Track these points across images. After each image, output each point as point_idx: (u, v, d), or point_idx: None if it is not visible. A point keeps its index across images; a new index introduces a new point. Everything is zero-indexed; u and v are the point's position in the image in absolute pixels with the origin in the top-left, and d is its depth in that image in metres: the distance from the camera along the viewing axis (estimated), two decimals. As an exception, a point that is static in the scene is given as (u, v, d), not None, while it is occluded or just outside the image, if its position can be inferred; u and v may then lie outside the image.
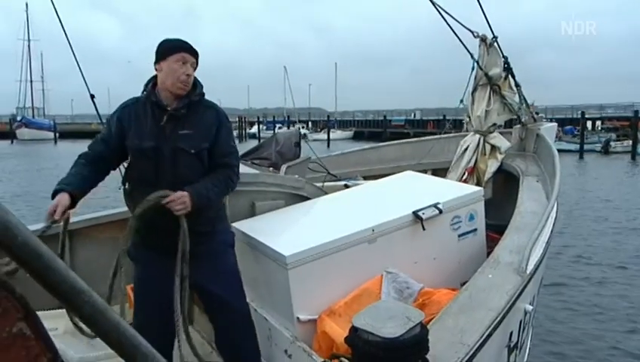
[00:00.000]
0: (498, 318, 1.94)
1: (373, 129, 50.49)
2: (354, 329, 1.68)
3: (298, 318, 2.30)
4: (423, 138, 5.30)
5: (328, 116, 56.79)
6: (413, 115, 57.89)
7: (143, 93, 2.15)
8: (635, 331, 6.05)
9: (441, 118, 44.09)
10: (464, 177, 3.67)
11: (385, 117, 49.85)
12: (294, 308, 2.30)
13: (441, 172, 4.03)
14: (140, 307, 2.16)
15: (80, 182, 2.01)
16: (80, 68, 3.08)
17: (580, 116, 43.44)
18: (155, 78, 2.13)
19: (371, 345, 1.58)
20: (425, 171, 3.92)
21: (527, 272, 2.21)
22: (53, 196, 1.93)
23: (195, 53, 2.12)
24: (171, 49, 2.08)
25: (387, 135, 38.62)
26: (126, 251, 2.07)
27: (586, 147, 37.74)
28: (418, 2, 3.67)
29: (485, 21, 3.51)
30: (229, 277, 2.23)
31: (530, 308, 2.34)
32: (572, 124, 43.54)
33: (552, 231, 2.77)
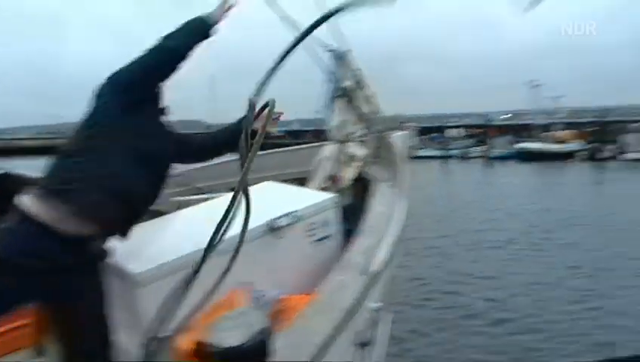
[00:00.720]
0: (345, 317, 2.04)
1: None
2: (200, 342, 1.68)
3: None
4: (287, 148, 5.41)
5: (208, 128, 55.78)
6: (292, 125, 59.07)
7: None
8: (495, 326, 6.75)
9: (319, 128, 45.41)
10: (324, 185, 3.81)
11: (264, 128, 50.04)
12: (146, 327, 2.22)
13: (303, 181, 4.14)
14: None
15: None
16: None
17: (444, 124, 47.27)
18: None
19: (215, 356, 1.59)
20: (288, 181, 4.00)
21: (373, 272, 2.35)
22: None
23: None
24: None
25: (268, 146, 38.81)
26: None
27: (449, 153, 41.26)
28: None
29: (338, 34, 3.69)
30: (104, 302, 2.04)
31: (378, 305, 2.48)
32: (437, 131, 47.43)
33: (400, 232, 2.98)
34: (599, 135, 39.26)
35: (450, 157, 39.40)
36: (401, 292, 7.56)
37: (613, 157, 36.06)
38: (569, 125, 41.84)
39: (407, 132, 4.85)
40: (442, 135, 46.54)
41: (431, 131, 47.24)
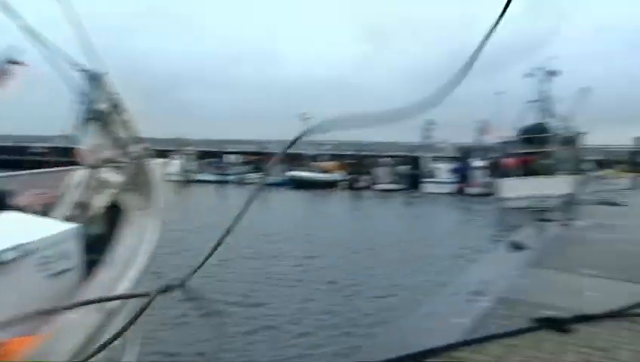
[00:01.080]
0: (74, 358, 1.92)
1: (11, 156, 44.22)
2: None
3: None
4: (34, 171, 4.87)
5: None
6: (55, 141, 52.95)
7: None
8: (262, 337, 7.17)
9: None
10: (72, 213, 3.52)
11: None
12: None
13: (44, 207, 3.76)
14: None
15: None
16: None
17: (223, 150, 48.05)
18: None
19: None
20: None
21: (112, 308, 2.27)
22: None
23: None
24: None
25: (27, 164, 34.34)
26: None
27: (228, 178, 42.17)
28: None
29: (92, 54, 3.50)
30: None
31: (118, 342, 2.39)
32: (216, 156, 48.01)
33: (148, 262, 2.93)
34: (357, 167, 44.73)
35: (227, 182, 40.33)
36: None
37: (367, 187, 41.42)
38: (334, 157, 46.56)
39: (166, 159, 4.82)
40: (221, 160, 47.34)
41: (210, 156, 47.62)
